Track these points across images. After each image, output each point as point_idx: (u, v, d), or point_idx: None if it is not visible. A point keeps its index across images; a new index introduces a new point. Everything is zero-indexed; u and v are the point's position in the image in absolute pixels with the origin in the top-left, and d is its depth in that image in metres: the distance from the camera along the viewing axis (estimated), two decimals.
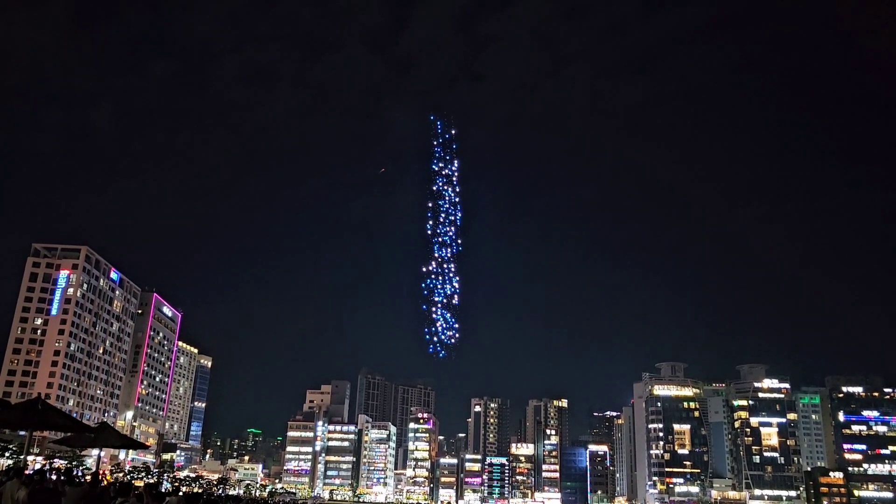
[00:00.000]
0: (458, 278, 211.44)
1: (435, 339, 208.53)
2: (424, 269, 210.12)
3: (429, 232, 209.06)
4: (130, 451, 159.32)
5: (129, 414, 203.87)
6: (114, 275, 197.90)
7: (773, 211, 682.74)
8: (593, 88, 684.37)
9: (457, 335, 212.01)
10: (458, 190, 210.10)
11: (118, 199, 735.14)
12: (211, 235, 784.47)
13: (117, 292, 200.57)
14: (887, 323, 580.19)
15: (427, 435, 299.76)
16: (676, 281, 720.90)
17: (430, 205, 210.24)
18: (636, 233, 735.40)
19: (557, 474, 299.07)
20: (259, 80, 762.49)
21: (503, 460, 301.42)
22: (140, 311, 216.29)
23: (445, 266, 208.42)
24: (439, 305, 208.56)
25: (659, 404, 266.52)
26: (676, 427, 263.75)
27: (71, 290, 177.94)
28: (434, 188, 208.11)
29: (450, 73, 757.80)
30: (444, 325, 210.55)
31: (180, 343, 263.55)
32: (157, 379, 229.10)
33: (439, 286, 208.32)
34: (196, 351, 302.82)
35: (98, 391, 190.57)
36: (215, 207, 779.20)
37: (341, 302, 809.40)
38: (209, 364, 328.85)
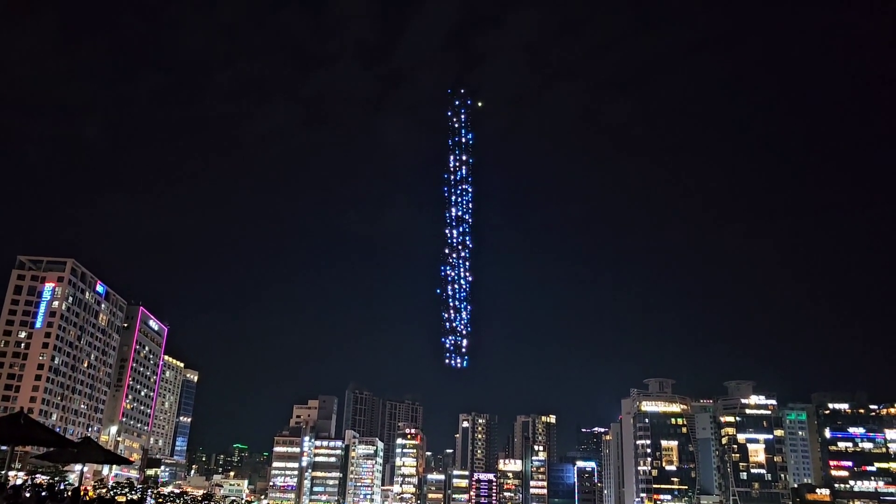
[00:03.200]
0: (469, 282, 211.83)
1: (452, 349, 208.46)
2: (442, 274, 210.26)
3: (447, 229, 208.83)
4: (114, 466, 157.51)
5: (114, 429, 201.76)
6: (100, 288, 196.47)
7: (760, 228, 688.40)
8: (584, 104, 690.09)
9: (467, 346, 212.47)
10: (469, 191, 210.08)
11: (107, 211, 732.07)
12: (199, 249, 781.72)
13: (103, 305, 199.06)
14: (873, 340, 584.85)
15: (414, 451, 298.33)
16: (665, 297, 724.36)
17: (445, 193, 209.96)
18: (626, 249, 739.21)
19: (545, 490, 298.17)
20: (251, 93, 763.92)
21: (491, 476, 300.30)
22: (126, 325, 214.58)
23: (459, 274, 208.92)
24: (455, 313, 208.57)
25: (647, 420, 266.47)
26: (664, 443, 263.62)
27: (56, 303, 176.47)
28: (448, 179, 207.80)
29: (442, 88, 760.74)
30: (461, 336, 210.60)
31: (166, 357, 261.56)
32: (143, 393, 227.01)
33: (455, 295, 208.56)
34: (182, 365, 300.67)
35: (82, 405, 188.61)
36: (205, 221, 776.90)
37: (329, 317, 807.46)
38: (195, 378, 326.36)
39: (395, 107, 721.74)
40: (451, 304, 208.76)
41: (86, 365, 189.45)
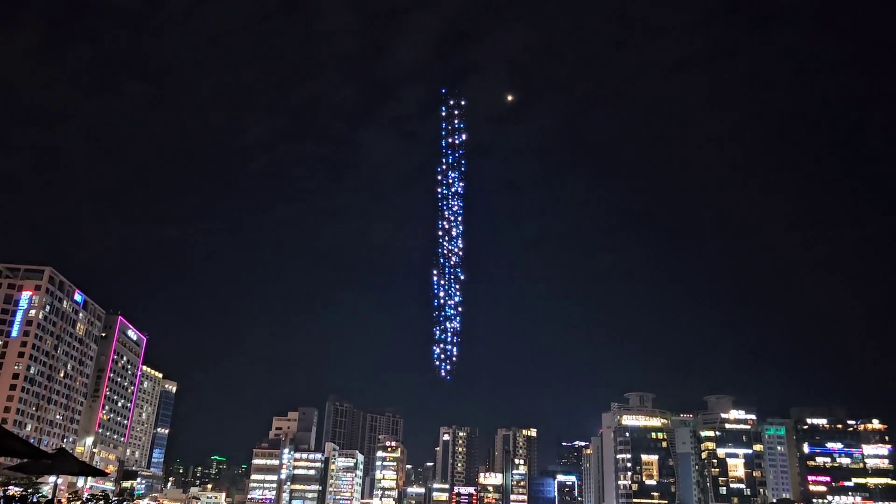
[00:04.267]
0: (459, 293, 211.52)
1: (444, 360, 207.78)
2: (435, 285, 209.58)
3: (439, 234, 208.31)
4: (89, 478, 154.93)
5: (89, 440, 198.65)
6: (78, 297, 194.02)
7: (739, 244, 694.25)
8: (566, 120, 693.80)
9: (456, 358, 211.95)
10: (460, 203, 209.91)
11: (87, 220, 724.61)
12: (180, 259, 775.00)
13: (81, 314, 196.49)
14: (851, 355, 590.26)
15: (394, 463, 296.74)
16: (645, 311, 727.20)
17: (439, 195, 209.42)
18: (606, 264, 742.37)
19: None
20: (235, 104, 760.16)
21: (471, 490, 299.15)
22: (104, 335, 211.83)
23: (449, 285, 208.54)
24: (447, 322, 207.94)
25: (627, 434, 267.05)
26: (644, 457, 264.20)
27: (33, 312, 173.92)
28: (443, 186, 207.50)
29: (426, 101, 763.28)
30: (451, 347, 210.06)
31: (145, 367, 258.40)
32: (120, 404, 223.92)
33: (446, 306, 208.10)
34: (161, 376, 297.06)
35: (57, 416, 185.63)
36: (186, 231, 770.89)
37: (310, 328, 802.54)
38: (174, 389, 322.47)
39: (379, 120, 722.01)
40: (444, 315, 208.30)
41: (62, 375, 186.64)
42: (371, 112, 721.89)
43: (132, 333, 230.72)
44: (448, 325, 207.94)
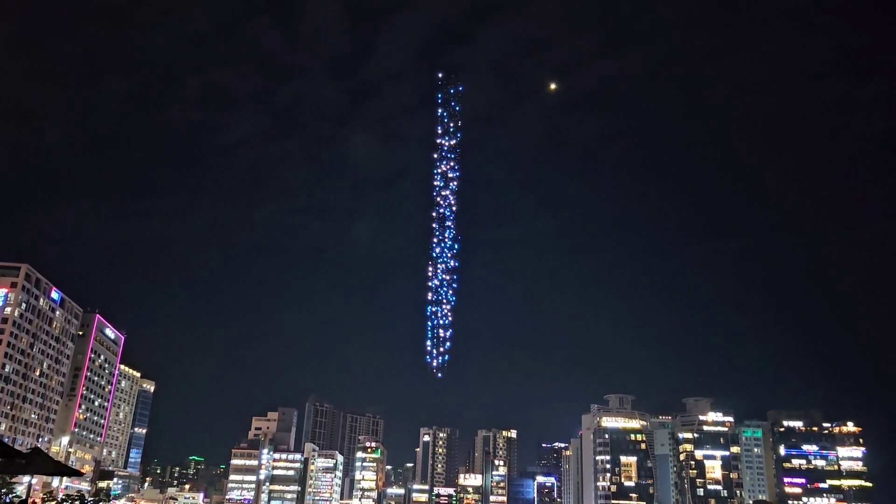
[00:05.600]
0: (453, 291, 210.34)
1: (437, 357, 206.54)
2: (429, 282, 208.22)
3: (434, 230, 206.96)
4: (64, 478, 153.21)
5: (65, 439, 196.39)
6: (55, 294, 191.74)
7: (719, 248, 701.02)
8: (551, 123, 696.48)
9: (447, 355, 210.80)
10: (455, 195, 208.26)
11: (66, 217, 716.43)
12: (160, 257, 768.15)
13: (58, 312, 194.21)
14: (827, 358, 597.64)
15: (374, 464, 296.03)
16: (625, 314, 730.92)
17: (434, 196, 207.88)
18: (588, 266, 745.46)
19: None
20: (219, 102, 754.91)
21: (451, 491, 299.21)
22: (81, 333, 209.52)
23: (444, 282, 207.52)
24: (441, 318, 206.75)
25: (607, 436, 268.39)
26: (623, 459, 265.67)
27: (8, 310, 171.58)
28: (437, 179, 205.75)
29: (411, 102, 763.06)
30: (443, 342, 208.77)
31: (122, 366, 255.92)
32: (97, 403, 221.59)
33: (442, 300, 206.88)
34: (139, 375, 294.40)
35: (33, 415, 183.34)
36: (166, 229, 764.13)
37: (291, 328, 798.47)
38: (152, 389, 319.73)
39: (364, 120, 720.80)
40: (439, 314, 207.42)
41: (38, 373, 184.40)
42: (356, 112, 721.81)
43: (110, 332, 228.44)
44: (442, 320, 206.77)
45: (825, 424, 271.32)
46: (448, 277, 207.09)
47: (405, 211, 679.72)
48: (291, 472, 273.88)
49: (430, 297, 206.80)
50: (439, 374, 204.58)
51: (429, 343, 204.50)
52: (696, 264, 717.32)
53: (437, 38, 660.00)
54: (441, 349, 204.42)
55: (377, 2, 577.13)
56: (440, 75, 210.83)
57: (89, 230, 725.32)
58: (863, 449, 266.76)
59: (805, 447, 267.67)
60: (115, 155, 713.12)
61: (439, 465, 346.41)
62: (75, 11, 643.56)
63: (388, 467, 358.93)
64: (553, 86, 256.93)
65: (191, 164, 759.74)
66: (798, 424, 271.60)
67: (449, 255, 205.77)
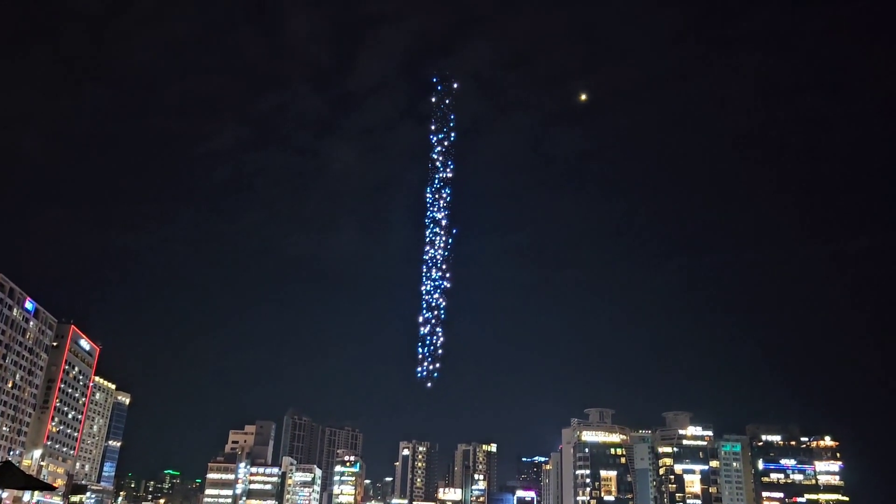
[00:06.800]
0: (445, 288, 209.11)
1: (427, 365, 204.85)
2: (423, 285, 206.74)
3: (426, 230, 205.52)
4: (36, 492, 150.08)
5: (37, 453, 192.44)
6: (29, 304, 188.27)
7: (699, 262, 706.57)
8: (533, 135, 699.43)
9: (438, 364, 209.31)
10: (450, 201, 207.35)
11: (42, 225, 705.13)
12: (137, 267, 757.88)
13: (31, 323, 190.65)
14: (805, 372, 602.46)
15: (353, 478, 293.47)
16: (606, 327, 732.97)
17: (428, 194, 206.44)
18: (570, 279, 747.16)
19: None
20: (199, 111, 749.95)
21: None
22: (55, 344, 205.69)
23: (435, 285, 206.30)
24: (433, 324, 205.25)
25: (587, 450, 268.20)
26: (603, 473, 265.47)
27: None
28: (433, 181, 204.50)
29: (393, 114, 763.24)
30: (434, 350, 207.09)
31: (97, 378, 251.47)
32: (70, 416, 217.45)
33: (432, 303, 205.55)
34: (114, 387, 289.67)
35: (4, 428, 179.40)
36: (144, 239, 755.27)
37: (270, 340, 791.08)
38: (127, 401, 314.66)
39: (346, 131, 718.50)
40: (429, 323, 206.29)
41: (10, 385, 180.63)
42: (337, 123, 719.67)
43: (85, 343, 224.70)
44: (434, 330, 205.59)
45: (803, 439, 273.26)
46: (441, 286, 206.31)
47: (386, 223, 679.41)
48: (269, 487, 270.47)
49: (423, 306, 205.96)
50: (428, 384, 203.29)
51: (420, 351, 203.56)
52: (676, 278, 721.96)
53: (419, 51, 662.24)
54: (432, 358, 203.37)
55: (360, 13, 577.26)
56: (435, 80, 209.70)
57: (65, 239, 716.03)
58: (840, 463, 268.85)
59: (783, 461, 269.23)
60: (93, 163, 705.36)
61: (419, 480, 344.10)
62: (55, 18, 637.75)
63: (367, 481, 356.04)
64: (583, 96, 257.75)
65: (170, 173, 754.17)
66: (776, 439, 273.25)
67: (443, 265, 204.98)
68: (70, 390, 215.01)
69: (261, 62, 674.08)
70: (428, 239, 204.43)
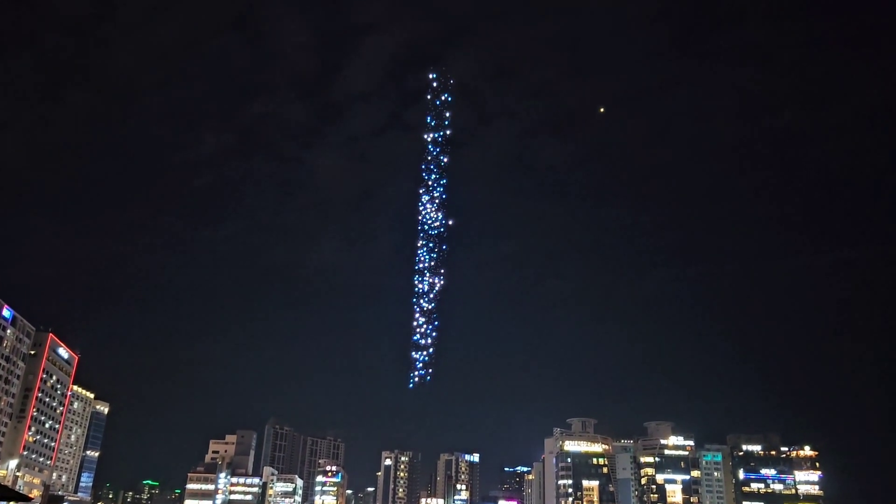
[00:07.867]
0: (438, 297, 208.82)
1: (421, 369, 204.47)
2: (416, 289, 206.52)
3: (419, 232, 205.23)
4: (11, 503, 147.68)
5: (13, 463, 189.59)
6: (6, 312, 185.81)
7: (679, 273, 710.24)
8: (517, 146, 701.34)
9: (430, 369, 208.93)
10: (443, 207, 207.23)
11: (21, 232, 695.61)
12: (117, 275, 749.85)
13: (9, 331, 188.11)
14: (786, 381, 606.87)
15: (335, 489, 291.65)
16: (589, 337, 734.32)
17: (422, 194, 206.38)
18: (552, 289, 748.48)
19: None
20: (182, 119, 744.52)
21: None
22: (33, 352, 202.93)
23: (428, 293, 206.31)
24: (426, 331, 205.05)
25: (569, 460, 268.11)
26: (586, 483, 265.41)
27: None
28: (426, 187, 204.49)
29: (378, 123, 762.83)
30: (427, 357, 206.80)
31: (75, 387, 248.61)
32: (47, 425, 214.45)
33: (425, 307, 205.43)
34: (92, 396, 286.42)
35: None
36: (124, 246, 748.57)
37: (251, 350, 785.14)
38: (105, 410, 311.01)
39: (330, 140, 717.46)
40: (421, 331, 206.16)
41: None
42: (322, 131, 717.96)
43: (63, 351, 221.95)
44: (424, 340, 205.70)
45: (783, 448, 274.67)
46: (433, 295, 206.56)
47: (370, 232, 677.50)
48: (249, 497, 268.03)
49: (416, 314, 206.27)
50: (425, 381, 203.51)
51: (413, 355, 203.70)
52: (658, 289, 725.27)
53: (404, 60, 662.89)
54: (426, 365, 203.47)
55: (345, 22, 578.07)
56: (431, 76, 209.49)
57: (43, 246, 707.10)
58: (819, 473, 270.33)
59: (763, 471, 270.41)
60: (73, 170, 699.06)
61: (401, 490, 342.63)
62: (36, 24, 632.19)
63: (349, 491, 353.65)
64: (602, 109, 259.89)
65: (151, 180, 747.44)
66: (756, 448, 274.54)
67: (434, 274, 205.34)
68: (48, 399, 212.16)
69: (245, 70, 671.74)
70: (420, 247, 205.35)
